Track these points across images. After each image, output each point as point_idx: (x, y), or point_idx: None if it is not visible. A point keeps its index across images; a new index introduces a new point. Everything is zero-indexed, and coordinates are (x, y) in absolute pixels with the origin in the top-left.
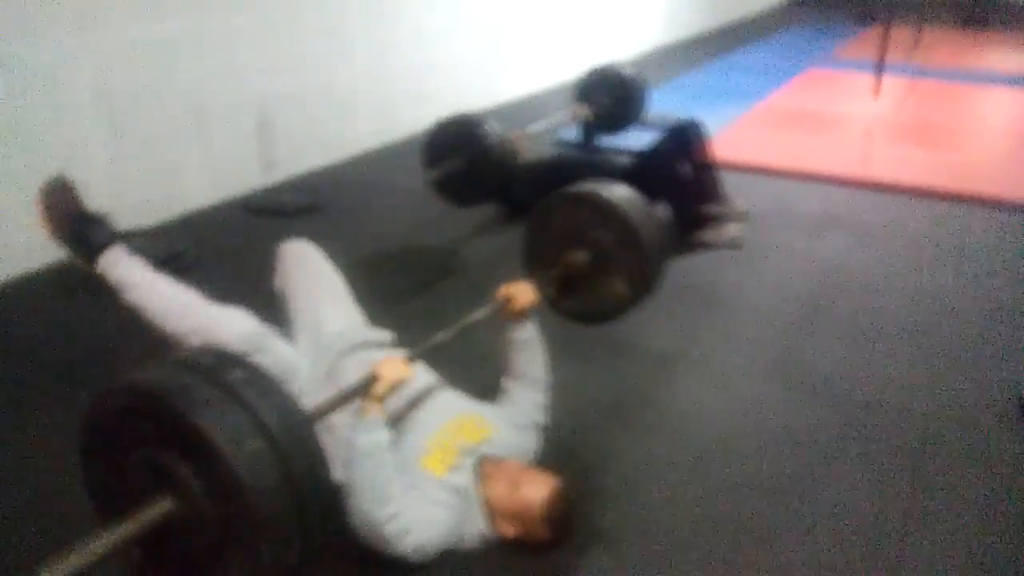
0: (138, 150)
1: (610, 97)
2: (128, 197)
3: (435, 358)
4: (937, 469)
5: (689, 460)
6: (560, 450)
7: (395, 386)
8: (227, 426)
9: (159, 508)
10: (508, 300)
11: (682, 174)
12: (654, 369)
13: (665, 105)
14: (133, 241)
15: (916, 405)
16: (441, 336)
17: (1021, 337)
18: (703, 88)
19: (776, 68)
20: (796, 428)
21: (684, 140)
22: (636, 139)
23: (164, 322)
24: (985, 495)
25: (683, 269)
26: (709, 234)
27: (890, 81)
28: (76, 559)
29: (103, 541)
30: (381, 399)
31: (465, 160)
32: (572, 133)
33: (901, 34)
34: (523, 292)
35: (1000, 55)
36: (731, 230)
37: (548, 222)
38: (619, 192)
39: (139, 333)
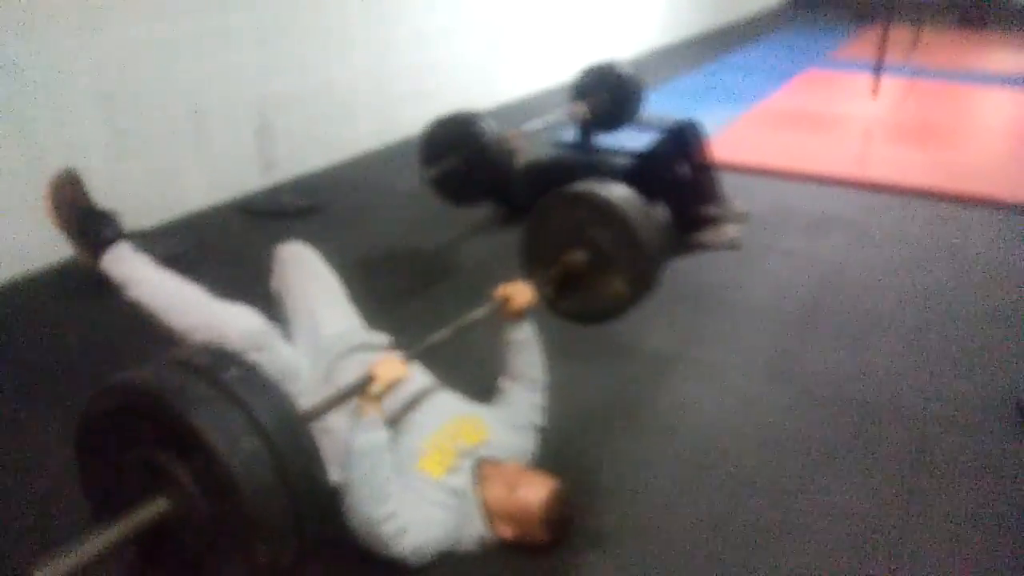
0: (137, 151)
1: (607, 95)
2: (127, 198)
3: (432, 358)
4: (936, 470)
5: (687, 461)
6: (558, 451)
7: (392, 385)
8: (222, 425)
9: (154, 507)
10: (506, 300)
11: (681, 175)
12: (653, 370)
13: (664, 106)
14: (132, 242)
15: (915, 406)
16: (438, 336)
17: (1020, 338)
18: (702, 89)
19: (775, 69)
20: (794, 429)
21: (683, 141)
22: (634, 140)
23: (168, 318)
24: (984, 496)
25: (682, 270)
26: (708, 235)
27: (889, 81)
28: (71, 559)
29: (98, 541)
30: (378, 399)
31: (462, 158)
32: (570, 133)
33: (900, 34)
34: (521, 292)
35: (999, 55)
36: (730, 231)
37: (547, 222)
38: (617, 192)
39: (139, 333)
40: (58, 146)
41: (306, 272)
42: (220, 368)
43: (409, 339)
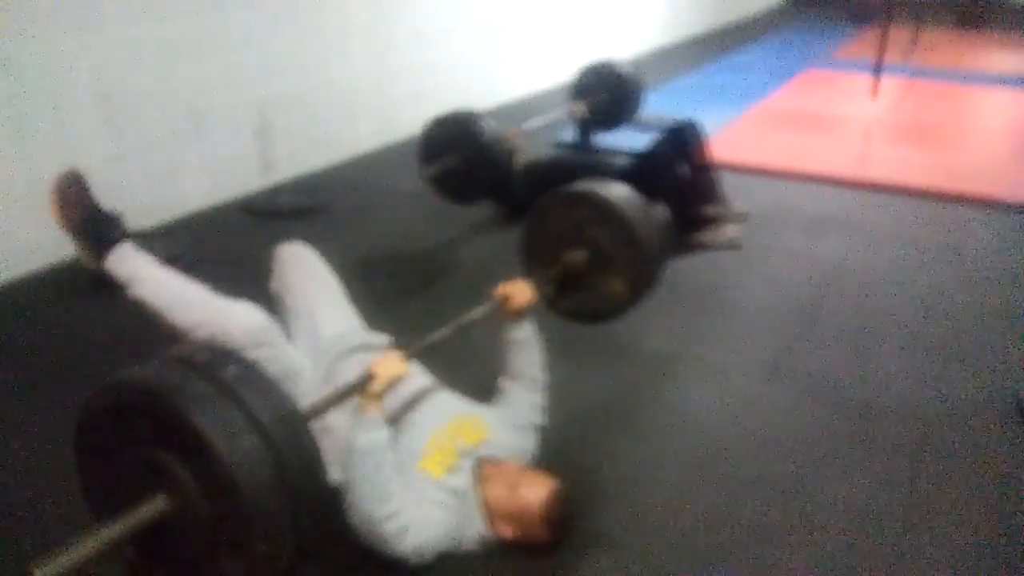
0: (137, 151)
1: (606, 94)
2: (127, 198)
3: (432, 358)
4: (936, 469)
5: (688, 461)
6: (558, 451)
7: (392, 383)
8: (222, 423)
9: (153, 506)
10: (506, 299)
11: (680, 175)
12: (653, 370)
13: (663, 106)
14: (135, 242)
15: (915, 405)
16: (438, 334)
17: (1019, 337)
18: (701, 89)
19: (774, 69)
20: (795, 429)
21: (682, 141)
22: (634, 140)
23: (171, 315)
24: (984, 495)
25: (682, 270)
26: (708, 235)
27: (888, 82)
28: (70, 557)
29: (97, 539)
30: (379, 397)
31: (461, 157)
32: (569, 133)
33: (899, 35)
34: (521, 291)
35: (998, 56)
36: (729, 231)
37: (546, 221)
38: (617, 191)
39: (139, 333)
40: (57, 146)
41: (306, 273)
42: (220, 366)
43: (409, 339)
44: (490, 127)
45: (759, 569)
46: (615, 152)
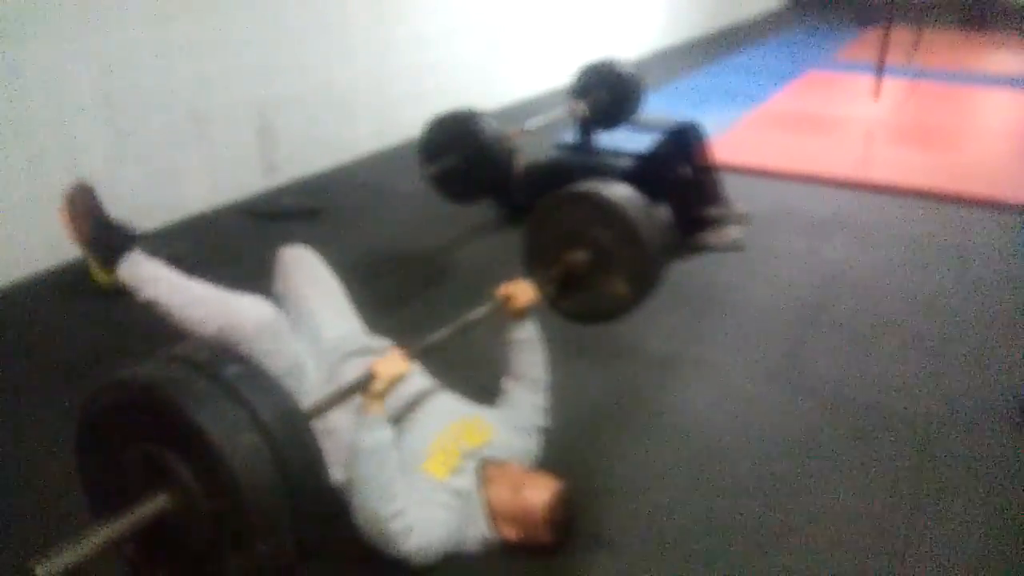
0: (139, 153)
1: (606, 93)
2: (129, 200)
3: (433, 359)
4: (939, 471)
5: (690, 462)
6: (561, 453)
7: (394, 382)
8: (223, 421)
9: (154, 504)
10: (507, 299)
11: (682, 176)
12: (655, 371)
13: (665, 107)
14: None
15: (917, 407)
16: (439, 335)
17: (1022, 339)
18: (703, 90)
19: (776, 70)
20: (797, 430)
21: (684, 142)
22: (636, 141)
23: (181, 311)
24: (986, 497)
25: (684, 271)
26: (709, 236)
27: (890, 83)
28: (71, 555)
29: (98, 537)
30: (381, 396)
31: (462, 156)
32: (570, 134)
33: (901, 36)
34: (523, 291)
35: (1000, 57)
36: (731, 232)
37: (548, 221)
38: (619, 191)
39: (140, 334)
40: (59, 148)
41: (308, 276)
42: (221, 364)
43: (410, 340)
44: (491, 126)
45: (761, 569)
46: (617, 153)
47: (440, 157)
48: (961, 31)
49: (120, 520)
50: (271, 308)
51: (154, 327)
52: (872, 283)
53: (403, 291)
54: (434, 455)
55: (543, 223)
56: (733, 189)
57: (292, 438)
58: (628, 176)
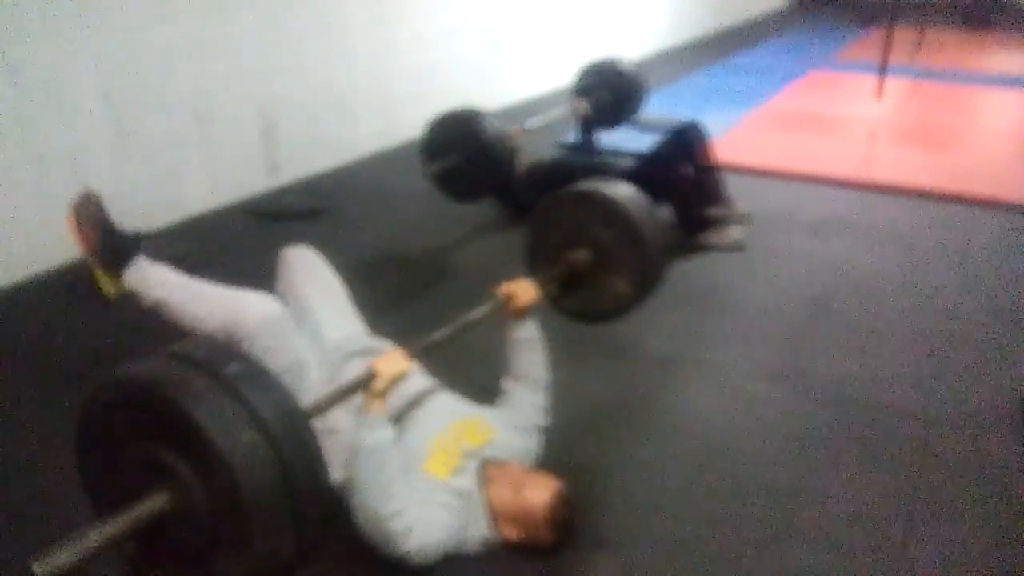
0: (141, 153)
1: (608, 92)
2: (131, 201)
3: (434, 358)
4: (939, 471)
5: (691, 462)
6: (562, 453)
7: (394, 380)
8: (222, 419)
9: (154, 502)
10: (509, 298)
11: (684, 176)
12: (657, 371)
13: (667, 108)
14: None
15: (918, 407)
16: (440, 333)
17: (1022, 339)
18: (705, 90)
19: (778, 70)
20: (798, 430)
21: (686, 142)
22: (638, 141)
23: (187, 309)
24: (986, 497)
25: (686, 271)
26: (711, 236)
27: (893, 83)
28: (70, 553)
29: (97, 535)
30: (382, 395)
31: (464, 155)
32: (572, 134)
33: (904, 36)
34: (524, 290)
35: (1003, 57)
36: (733, 232)
37: (550, 220)
38: (621, 190)
39: (140, 334)
40: (62, 149)
41: (311, 276)
42: (221, 362)
43: (412, 340)
44: (492, 125)
45: (762, 570)
46: (619, 153)
47: (442, 156)
48: (964, 31)
49: (119, 519)
50: (276, 303)
51: (155, 327)
52: (873, 283)
53: (405, 291)
54: (435, 455)
55: (545, 222)
56: (735, 189)
57: (292, 436)
58: (630, 176)
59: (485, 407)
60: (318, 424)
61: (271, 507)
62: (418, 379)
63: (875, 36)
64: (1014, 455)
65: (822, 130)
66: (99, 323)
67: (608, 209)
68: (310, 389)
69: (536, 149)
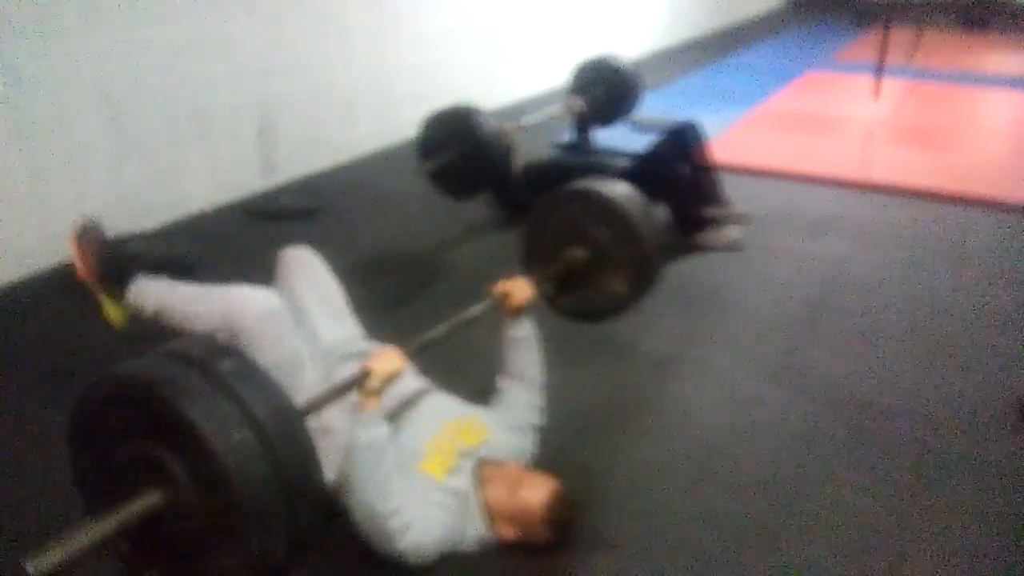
0: (139, 153)
1: (604, 89)
2: (129, 200)
3: (430, 357)
4: (937, 470)
5: (689, 462)
6: (559, 452)
7: (389, 378)
8: (215, 417)
9: (147, 500)
10: (505, 296)
11: (681, 176)
12: (653, 370)
13: (665, 107)
14: (134, 243)
15: (916, 407)
16: (435, 332)
17: (1021, 339)
18: (703, 90)
19: (776, 70)
20: (796, 430)
21: (683, 142)
22: (635, 141)
23: (185, 308)
24: (985, 496)
25: (683, 271)
26: (709, 236)
27: (890, 83)
28: (63, 551)
29: (90, 533)
30: (377, 393)
31: (460, 152)
32: (568, 133)
33: (901, 36)
34: (520, 288)
35: (1000, 57)
36: (731, 232)
37: (547, 219)
38: (618, 189)
39: (139, 334)
40: (60, 148)
41: (308, 277)
42: (214, 360)
43: (409, 339)
44: (488, 122)
45: (760, 570)
46: (615, 153)
47: (438, 153)
48: (961, 31)
49: (111, 517)
50: (276, 299)
51: (155, 328)
52: (871, 283)
53: (402, 290)
54: (431, 455)
55: (542, 221)
56: (732, 189)
57: (285, 434)
58: (627, 176)
59: (480, 407)
60: (313, 424)
61: (264, 505)
62: (412, 380)
63: (872, 36)
64: (1012, 455)
65: (819, 130)
66: (97, 322)
67: (605, 208)
68: (305, 388)
69: (532, 149)
